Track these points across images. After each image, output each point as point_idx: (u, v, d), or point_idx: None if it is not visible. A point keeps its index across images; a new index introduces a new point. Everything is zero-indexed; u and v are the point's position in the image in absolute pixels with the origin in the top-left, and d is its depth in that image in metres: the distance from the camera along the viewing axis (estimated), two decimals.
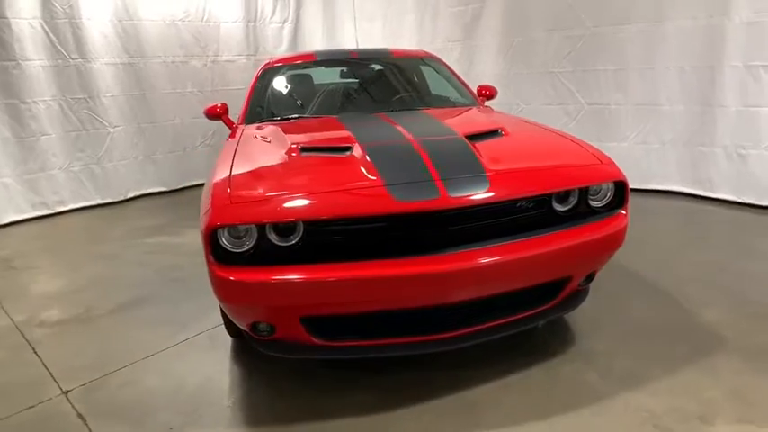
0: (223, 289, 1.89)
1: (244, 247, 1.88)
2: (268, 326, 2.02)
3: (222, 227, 1.84)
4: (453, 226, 1.90)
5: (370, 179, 1.95)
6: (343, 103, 3.27)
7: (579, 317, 2.58)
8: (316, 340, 2.00)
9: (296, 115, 3.12)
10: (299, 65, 3.64)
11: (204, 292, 3.15)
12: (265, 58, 6.48)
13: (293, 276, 1.83)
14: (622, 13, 4.52)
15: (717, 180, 4.30)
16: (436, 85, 3.55)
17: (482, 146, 2.21)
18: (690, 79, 4.29)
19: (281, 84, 3.49)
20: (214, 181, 2.12)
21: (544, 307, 2.17)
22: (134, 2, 5.34)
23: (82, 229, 4.74)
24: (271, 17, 6.58)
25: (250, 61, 6.41)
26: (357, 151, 2.17)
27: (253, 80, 3.51)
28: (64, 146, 5.08)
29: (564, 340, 2.43)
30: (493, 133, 2.40)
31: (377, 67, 3.63)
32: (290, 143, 2.37)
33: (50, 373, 2.41)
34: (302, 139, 2.53)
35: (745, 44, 3.95)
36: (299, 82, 3.52)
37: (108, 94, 5.29)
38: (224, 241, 1.87)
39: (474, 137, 2.31)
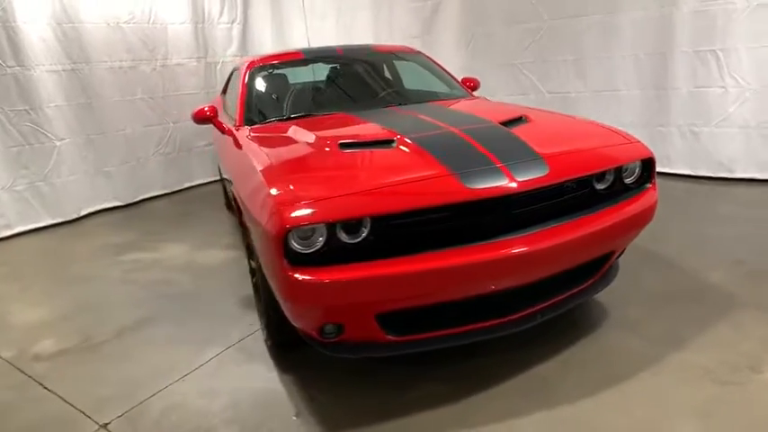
0: (298, 292, 1.80)
1: (314, 247, 1.81)
2: (336, 327, 1.96)
3: (294, 228, 1.76)
4: (517, 209, 1.94)
5: (433, 169, 1.95)
6: (344, 98, 3.22)
7: (603, 291, 2.72)
8: (389, 337, 1.96)
9: (301, 113, 3.02)
10: (288, 63, 3.53)
11: (207, 306, 3.03)
12: (216, 61, 6.31)
13: (373, 272, 1.78)
14: (578, 5, 4.79)
15: (673, 156, 4.69)
16: (427, 79, 3.59)
17: (519, 131, 2.27)
18: (644, 65, 4.64)
19: (275, 83, 3.38)
20: (264, 183, 2.00)
21: (591, 281, 2.28)
22: (74, 4, 4.91)
23: (40, 253, 4.30)
24: (219, 18, 6.31)
25: (201, 64, 6.12)
26: (404, 143, 2.15)
27: (241, 80, 3.36)
28: (5, 163, 4.57)
29: (598, 314, 2.56)
30: (519, 120, 2.47)
31: (365, 62, 3.60)
32: (324, 140, 2.31)
33: (76, 408, 2.18)
34: (331, 134, 2.47)
35: (692, 31, 4.33)
36: (293, 80, 3.42)
37: (51, 104, 4.82)
38: (294, 243, 1.79)
39: (507, 123, 2.37)
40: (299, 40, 6.83)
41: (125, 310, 3.05)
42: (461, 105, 3.00)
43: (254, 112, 3.14)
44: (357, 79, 3.50)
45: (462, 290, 1.93)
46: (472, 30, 5.43)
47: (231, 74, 4.39)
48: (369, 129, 2.46)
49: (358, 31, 6.28)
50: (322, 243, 1.81)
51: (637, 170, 2.31)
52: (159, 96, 5.73)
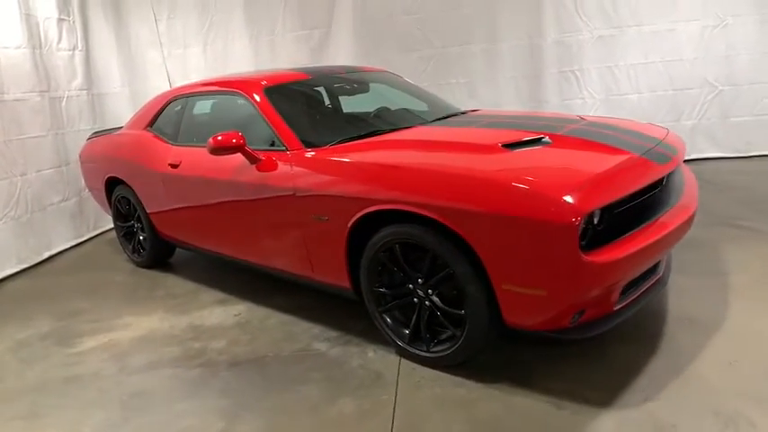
0: (595, 275, 1.85)
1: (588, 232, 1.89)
2: (580, 312, 2.02)
3: (587, 214, 1.81)
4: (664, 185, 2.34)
5: (624, 155, 2.20)
6: (389, 115, 3.16)
7: None
8: (618, 306, 2.12)
9: (360, 132, 2.85)
10: (302, 83, 3.23)
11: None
12: (61, 96, 5.07)
13: (644, 243, 1.96)
14: (465, 35, 5.56)
15: None
16: (422, 96, 3.72)
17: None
18: (522, 85, 5.65)
19: (304, 105, 3.06)
20: (501, 179, 1.98)
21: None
22: None
23: None
24: (57, 43, 5.08)
25: (44, 99, 4.81)
26: (563, 138, 2.36)
27: (261, 103, 2.94)
28: None
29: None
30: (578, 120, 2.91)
31: (369, 83, 3.55)
32: (479, 144, 2.34)
33: None
34: (470, 139, 2.53)
35: (556, 56, 5.50)
36: (319, 101, 3.15)
37: None
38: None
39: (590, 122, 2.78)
40: (154, 70, 6.02)
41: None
42: (510, 112, 3.30)
43: (307, 133, 2.82)
44: (382, 98, 3.42)
45: (660, 255, 2.23)
46: (367, 58, 5.69)
47: (167, 103, 3.72)
48: (501, 132, 2.55)
49: (235, 61, 5.90)
50: (596, 226, 1.91)
51: None
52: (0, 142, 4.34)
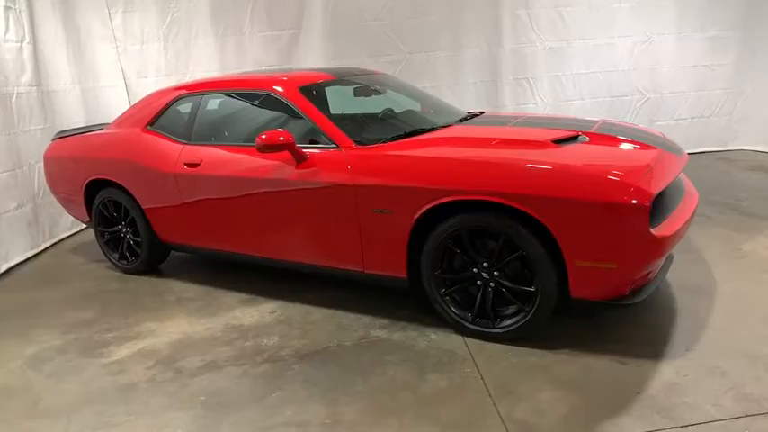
0: (660, 246, 2.23)
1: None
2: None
3: (656, 195, 2.19)
4: None
5: (653, 150, 2.62)
6: (413, 117, 3.34)
7: None
8: (652, 276, 2.51)
9: (405, 130, 3.03)
10: (330, 83, 3.30)
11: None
12: (10, 92, 4.62)
13: (682, 222, 2.39)
14: (430, 42, 5.89)
15: None
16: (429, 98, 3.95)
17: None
18: (482, 90, 6.10)
19: (339, 105, 3.14)
20: (578, 168, 2.30)
21: None
22: None
23: None
24: (5, 33, 4.62)
25: None
26: (596, 135, 2.74)
27: (301, 102, 3.00)
28: None
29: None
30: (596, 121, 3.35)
31: (384, 85, 3.71)
32: (536, 139, 2.66)
33: None
34: (519, 136, 2.81)
35: (512, 65, 6.02)
36: (350, 101, 3.24)
37: None
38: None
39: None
40: (107, 66, 5.67)
41: None
42: (526, 114, 3.65)
43: (353, 131, 2.93)
44: (396, 100, 3.58)
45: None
46: (338, 60, 5.83)
47: (173, 101, 3.61)
48: (540, 130, 2.87)
49: (199, 60, 5.74)
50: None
51: None
52: None
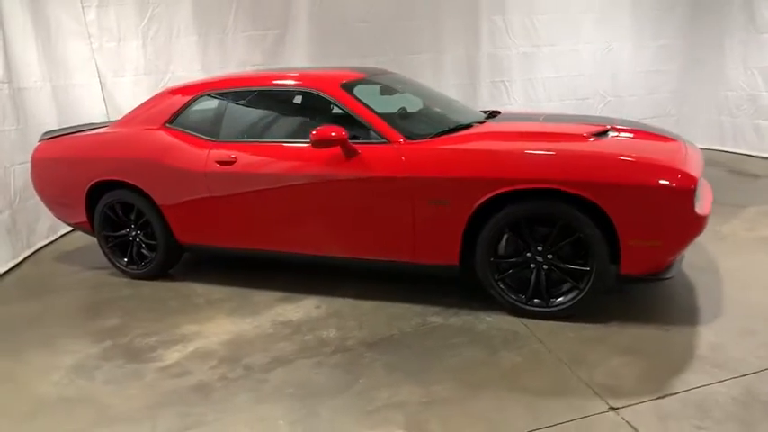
0: (701, 224, 2.53)
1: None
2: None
3: (699, 179, 2.49)
4: None
5: (674, 141, 2.95)
6: (450, 116, 3.50)
7: None
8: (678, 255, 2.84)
9: (449, 126, 3.18)
10: (364, 81, 3.38)
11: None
12: None
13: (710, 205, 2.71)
14: (414, 45, 6.08)
15: None
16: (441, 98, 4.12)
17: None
18: (461, 91, 6.36)
19: (377, 102, 3.23)
20: (629, 157, 2.56)
21: None
22: None
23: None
24: None
25: None
26: (621, 130, 3.04)
27: (346, 99, 3.07)
28: None
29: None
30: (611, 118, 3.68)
31: (405, 83, 3.84)
32: (575, 133, 2.90)
33: None
34: (558, 131, 3.08)
35: (489, 68, 6.34)
36: (384, 99, 3.34)
37: None
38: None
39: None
40: (79, 64, 5.35)
41: None
42: (543, 112, 3.89)
43: (401, 127, 3.04)
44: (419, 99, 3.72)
45: None
46: (324, 61, 5.86)
47: (194, 99, 3.53)
48: (574, 125, 3.14)
49: (181, 58, 5.56)
50: None
51: None
52: None
